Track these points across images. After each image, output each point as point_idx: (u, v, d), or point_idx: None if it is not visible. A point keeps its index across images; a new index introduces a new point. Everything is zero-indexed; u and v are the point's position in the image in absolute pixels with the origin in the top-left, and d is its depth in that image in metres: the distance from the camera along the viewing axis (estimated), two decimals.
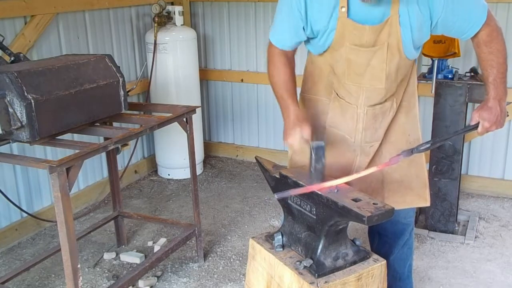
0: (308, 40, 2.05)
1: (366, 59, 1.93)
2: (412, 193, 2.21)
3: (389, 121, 2.11)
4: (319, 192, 1.74)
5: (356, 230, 3.17)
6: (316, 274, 1.73)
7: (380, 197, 2.14)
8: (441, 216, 3.35)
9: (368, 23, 1.87)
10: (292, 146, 1.98)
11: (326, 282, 1.71)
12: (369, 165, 2.13)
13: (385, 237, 2.36)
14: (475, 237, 3.32)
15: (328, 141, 2.13)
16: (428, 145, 1.87)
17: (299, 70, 2.14)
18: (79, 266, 2.18)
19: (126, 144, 2.71)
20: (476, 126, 1.95)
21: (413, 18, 1.86)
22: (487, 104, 1.97)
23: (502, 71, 1.97)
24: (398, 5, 1.83)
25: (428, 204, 2.25)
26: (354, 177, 1.77)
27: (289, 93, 2.01)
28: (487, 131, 1.97)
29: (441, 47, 3.10)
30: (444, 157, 3.24)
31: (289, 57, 2.07)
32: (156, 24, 4.01)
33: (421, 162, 2.20)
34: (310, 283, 1.70)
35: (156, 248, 3.21)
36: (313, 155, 1.81)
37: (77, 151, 2.16)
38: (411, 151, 1.83)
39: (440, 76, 3.22)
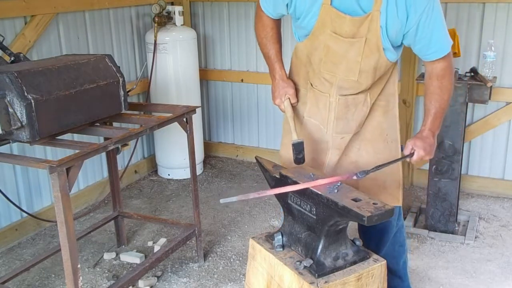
0: (294, 21, 2.14)
1: (343, 49, 1.99)
2: (385, 192, 2.25)
3: (363, 116, 2.16)
4: (319, 192, 1.75)
5: (356, 230, 3.16)
6: (316, 274, 1.73)
7: None
8: (441, 216, 3.35)
9: (350, 14, 1.93)
10: (280, 106, 2.23)
11: (326, 282, 1.71)
12: (341, 160, 2.21)
13: (369, 234, 2.40)
14: (475, 237, 3.32)
15: (305, 131, 2.23)
16: (369, 169, 1.92)
17: (287, 68, 2.28)
18: (79, 266, 2.19)
19: (126, 144, 2.71)
20: (411, 155, 2.03)
21: (390, 19, 1.90)
22: (422, 134, 2.08)
23: (443, 107, 2.08)
24: (381, 3, 1.87)
25: (400, 204, 2.31)
26: (305, 186, 1.84)
27: (275, 53, 2.24)
28: (421, 160, 2.05)
29: None
30: (444, 157, 3.24)
31: (276, 22, 2.25)
32: (156, 24, 4.01)
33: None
34: (310, 283, 1.71)
35: (156, 248, 3.21)
36: (293, 150, 2.09)
37: (77, 151, 2.16)
38: (355, 174, 1.89)
39: None
